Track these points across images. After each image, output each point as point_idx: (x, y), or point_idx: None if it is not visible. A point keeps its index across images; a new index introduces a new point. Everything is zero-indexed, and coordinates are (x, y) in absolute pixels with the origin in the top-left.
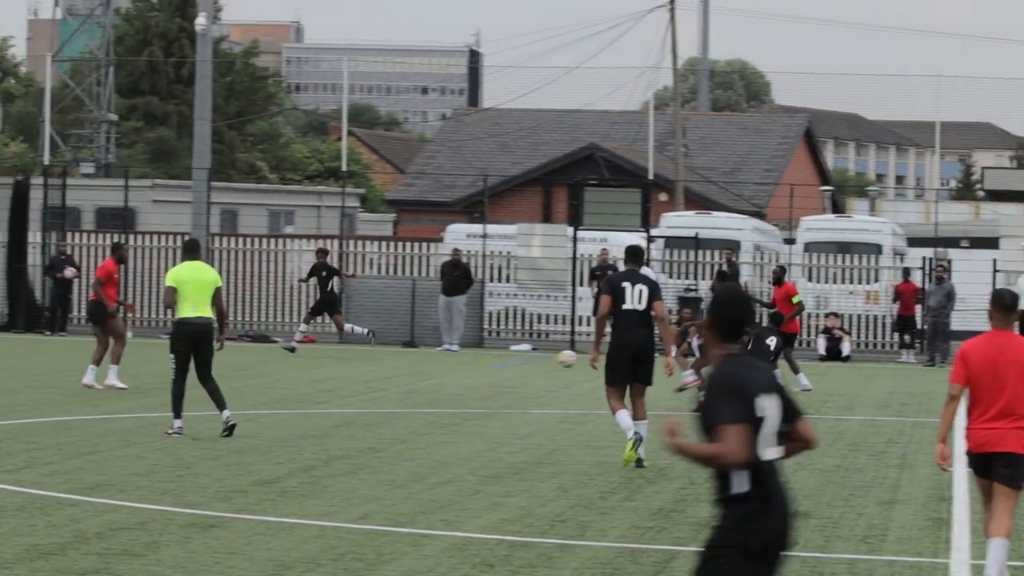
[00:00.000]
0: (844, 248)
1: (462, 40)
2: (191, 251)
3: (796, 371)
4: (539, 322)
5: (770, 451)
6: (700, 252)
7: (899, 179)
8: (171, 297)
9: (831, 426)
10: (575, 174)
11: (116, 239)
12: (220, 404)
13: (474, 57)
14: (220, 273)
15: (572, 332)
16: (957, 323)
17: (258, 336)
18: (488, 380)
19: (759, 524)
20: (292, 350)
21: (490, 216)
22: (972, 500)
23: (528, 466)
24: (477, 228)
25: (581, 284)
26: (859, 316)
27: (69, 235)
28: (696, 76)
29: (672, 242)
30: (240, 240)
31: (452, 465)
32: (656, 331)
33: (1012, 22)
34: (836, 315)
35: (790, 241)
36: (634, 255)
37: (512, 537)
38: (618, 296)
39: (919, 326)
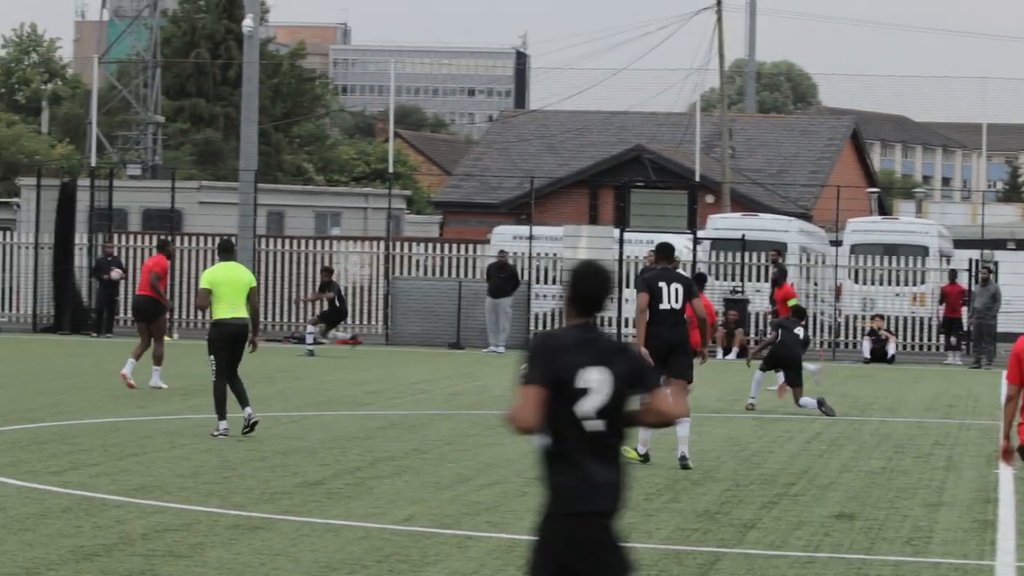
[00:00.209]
0: (890, 250)
1: (509, 42)
2: (226, 252)
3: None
4: None
5: (591, 423)
6: (746, 254)
7: (945, 181)
8: (205, 299)
9: (876, 428)
10: (622, 176)
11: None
12: (243, 401)
13: (521, 59)
14: (266, 275)
15: (619, 334)
16: (1003, 325)
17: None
18: None
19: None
20: (311, 353)
21: (536, 218)
22: (1018, 502)
23: None
24: (523, 230)
25: (628, 286)
26: (905, 318)
27: (116, 237)
28: (743, 78)
29: (718, 244)
30: (286, 242)
31: (498, 467)
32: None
33: None
34: (881, 317)
35: (836, 243)
36: (665, 253)
37: None
38: (655, 295)
39: (965, 328)
